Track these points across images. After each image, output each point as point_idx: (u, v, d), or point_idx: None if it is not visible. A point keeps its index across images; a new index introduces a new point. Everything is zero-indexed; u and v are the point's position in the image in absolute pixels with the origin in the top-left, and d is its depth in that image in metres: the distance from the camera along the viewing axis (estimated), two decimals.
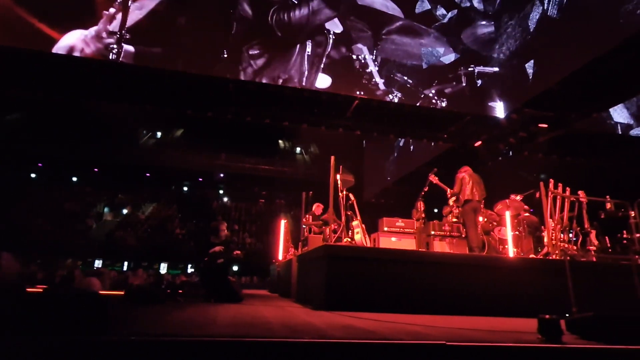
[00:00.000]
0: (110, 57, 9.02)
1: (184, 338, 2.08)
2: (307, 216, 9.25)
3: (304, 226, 9.43)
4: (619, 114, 11.26)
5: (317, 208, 9.20)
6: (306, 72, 9.91)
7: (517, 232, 6.97)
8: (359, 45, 10.36)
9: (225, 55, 9.62)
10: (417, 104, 10.60)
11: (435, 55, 10.70)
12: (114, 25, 9.06)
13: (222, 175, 26.58)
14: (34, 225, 20.33)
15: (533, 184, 6.82)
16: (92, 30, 8.95)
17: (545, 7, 9.14)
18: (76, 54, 8.82)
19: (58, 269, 15.31)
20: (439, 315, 4.37)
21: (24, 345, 1.81)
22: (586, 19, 8.24)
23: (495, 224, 7.21)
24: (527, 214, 7.52)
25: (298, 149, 27.52)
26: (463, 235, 6.53)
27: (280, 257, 10.14)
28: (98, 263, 20.51)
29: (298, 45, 9.99)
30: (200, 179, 27.06)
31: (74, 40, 8.80)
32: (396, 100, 10.48)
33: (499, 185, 8.29)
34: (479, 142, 12.24)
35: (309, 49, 10.00)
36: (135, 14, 9.22)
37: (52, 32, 8.71)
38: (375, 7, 10.59)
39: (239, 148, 24.13)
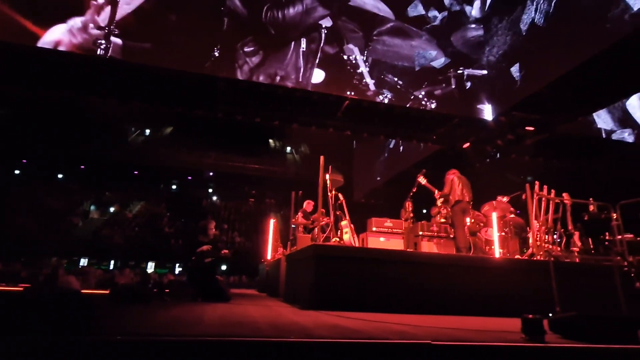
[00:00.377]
0: (99, 53, 8.85)
1: (171, 338, 2.06)
2: (298, 214, 9.22)
3: (293, 226, 9.38)
4: (603, 119, 11.49)
5: (307, 205, 9.15)
6: (302, 69, 9.90)
7: (503, 233, 7.08)
8: (350, 46, 10.39)
9: (217, 54, 9.54)
10: (407, 105, 10.68)
11: (425, 57, 10.79)
12: (103, 19, 8.87)
13: (211, 173, 26.40)
14: (18, 222, 19.90)
15: (520, 186, 6.93)
16: (79, 21, 8.65)
17: (533, 13, 9.29)
18: (62, 47, 8.57)
19: (43, 267, 15.04)
20: (426, 315, 4.40)
21: (6, 346, 1.78)
22: (574, 23, 8.39)
23: (482, 225, 7.29)
24: (513, 216, 7.63)
25: (288, 149, 27.47)
26: (451, 236, 6.59)
27: (269, 256, 10.10)
28: (84, 262, 20.15)
29: (293, 42, 9.99)
30: (190, 178, 26.85)
31: (59, 34, 8.55)
32: (386, 101, 10.55)
33: (486, 187, 8.41)
34: (467, 144, 12.37)
35: (303, 45, 10.00)
36: (123, 9, 9.06)
37: (36, 25, 8.45)
38: (366, 9, 10.64)
39: (229, 147, 23.98)
